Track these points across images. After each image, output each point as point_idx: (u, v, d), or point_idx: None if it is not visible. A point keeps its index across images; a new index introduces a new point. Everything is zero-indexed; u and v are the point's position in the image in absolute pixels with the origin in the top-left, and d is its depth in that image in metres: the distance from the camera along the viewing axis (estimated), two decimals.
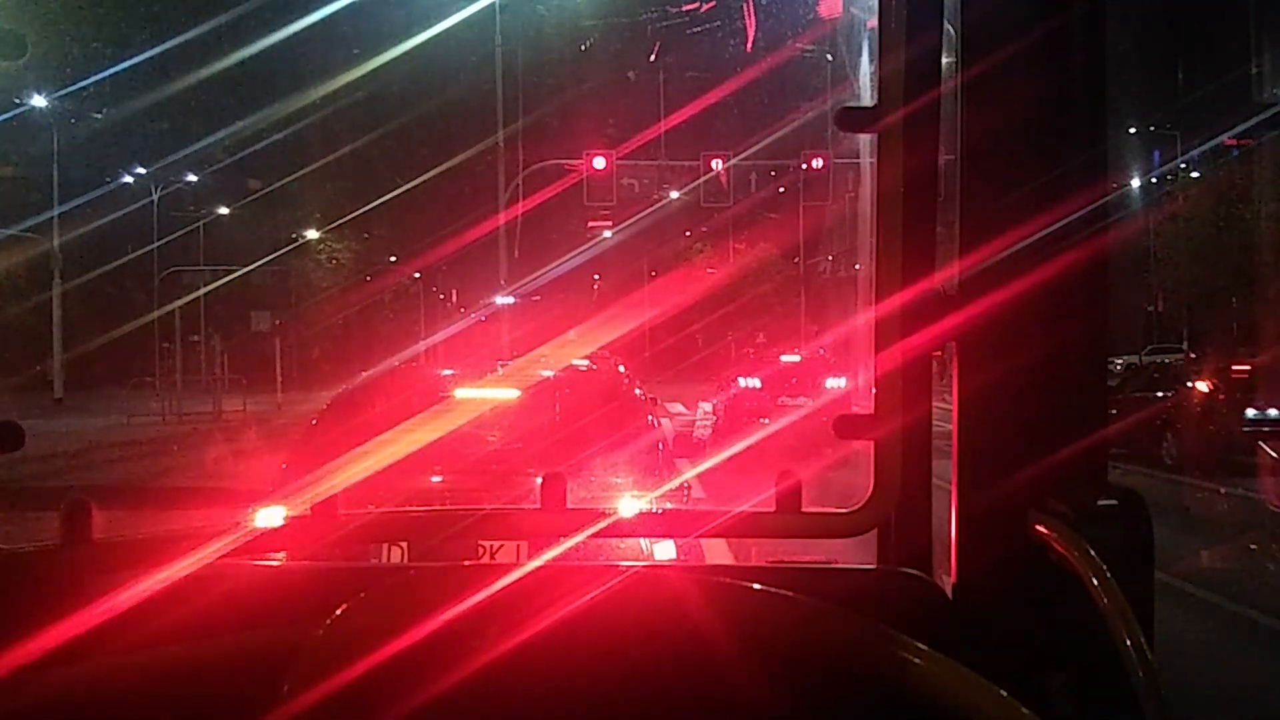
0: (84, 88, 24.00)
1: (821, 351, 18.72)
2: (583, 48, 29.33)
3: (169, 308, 28.17)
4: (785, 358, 18.48)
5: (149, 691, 1.04)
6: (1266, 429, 12.29)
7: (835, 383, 15.87)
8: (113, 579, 1.13)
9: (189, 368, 28.52)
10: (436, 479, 4.03)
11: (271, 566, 1.21)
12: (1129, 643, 0.94)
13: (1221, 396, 13.53)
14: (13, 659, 1.02)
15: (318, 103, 27.33)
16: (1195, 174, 32.15)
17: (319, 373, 27.29)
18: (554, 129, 29.49)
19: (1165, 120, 34.52)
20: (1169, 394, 14.24)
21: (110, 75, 23.23)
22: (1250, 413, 12.84)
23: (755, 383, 16.93)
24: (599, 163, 19.73)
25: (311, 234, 34.79)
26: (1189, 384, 14.31)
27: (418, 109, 30.69)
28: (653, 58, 28.33)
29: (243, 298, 32.12)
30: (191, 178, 31.16)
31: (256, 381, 26.60)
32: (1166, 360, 16.75)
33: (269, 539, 1.17)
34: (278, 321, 31.12)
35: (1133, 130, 33.67)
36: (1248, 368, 14.33)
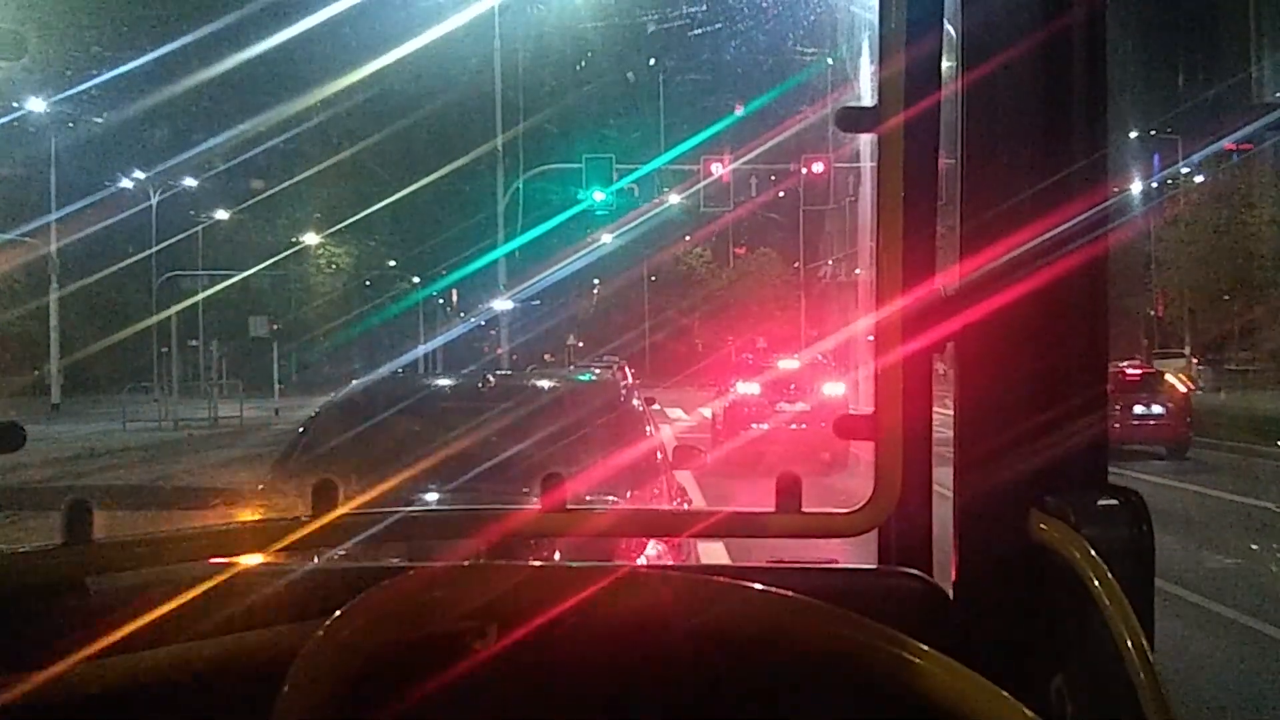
0: (83, 92, 24.03)
1: (820, 357, 18.58)
2: (578, 67, 29.43)
3: (166, 314, 28.17)
4: (783, 363, 18.12)
5: (149, 691, 1.04)
6: (1151, 423, 16.12)
7: (834, 389, 15.79)
8: (113, 579, 1.14)
9: (190, 373, 28.55)
10: (432, 486, 3.96)
11: (271, 566, 1.22)
12: (1129, 643, 0.94)
13: (1115, 396, 15.98)
14: (12, 659, 1.02)
15: (318, 108, 27.39)
16: (1199, 178, 32.19)
17: (320, 377, 27.33)
18: (554, 132, 29.56)
19: (1166, 124, 34.56)
20: None
21: (109, 80, 23.26)
22: (1138, 409, 16.11)
23: (754, 389, 16.72)
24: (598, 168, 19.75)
25: (311, 238, 34.81)
26: None
27: (418, 114, 30.75)
28: (652, 61, 28.39)
29: (242, 302, 32.16)
30: (190, 182, 31.18)
31: (258, 386, 26.61)
32: None
33: (268, 539, 1.17)
34: (275, 326, 31.11)
35: (1134, 134, 33.69)
36: (1139, 372, 17.60)
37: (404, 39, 22.40)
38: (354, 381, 6.02)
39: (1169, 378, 17.87)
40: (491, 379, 5.19)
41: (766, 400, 16.01)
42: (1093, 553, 1.02)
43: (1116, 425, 15.51)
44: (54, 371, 27.37)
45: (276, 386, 27.12)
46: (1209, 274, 29.31)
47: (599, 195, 20.35)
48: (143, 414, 22.23)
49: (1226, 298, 29.03)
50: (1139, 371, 17.80)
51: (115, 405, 22.29)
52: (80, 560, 1.10)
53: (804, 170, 19.96)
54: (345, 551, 1.28)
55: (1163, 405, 16.34)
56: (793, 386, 16.27)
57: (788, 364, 17.99)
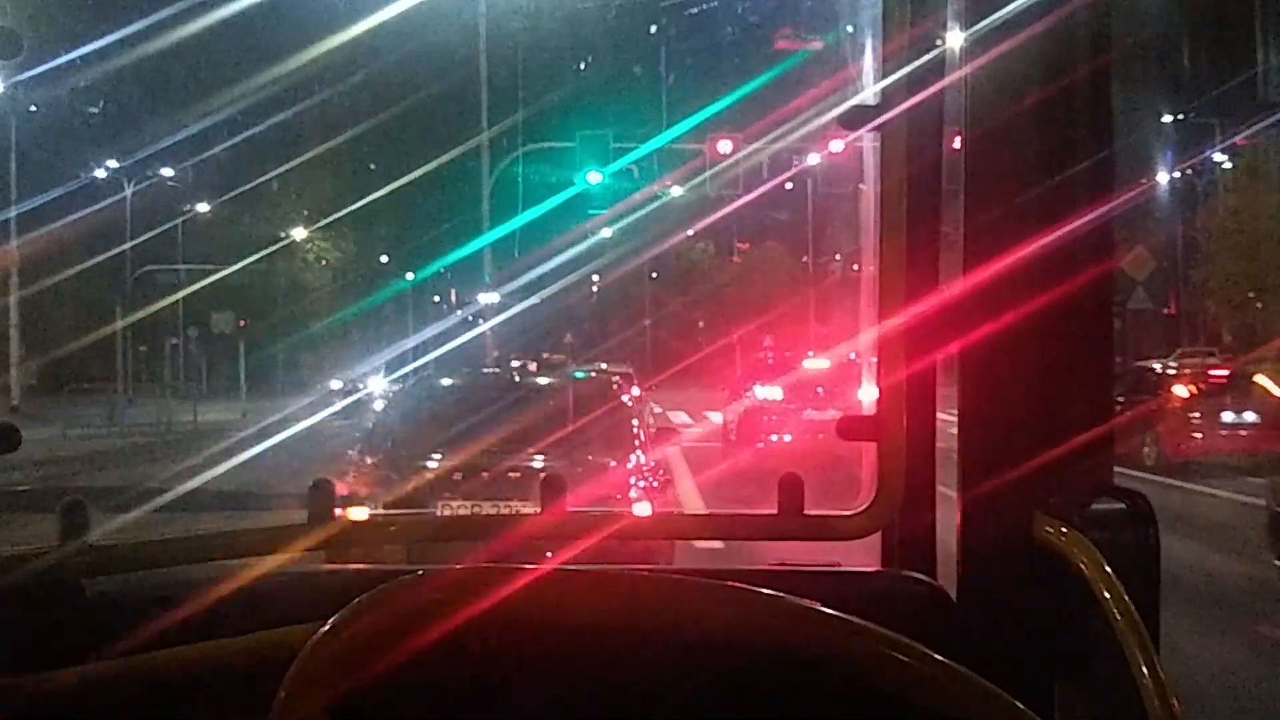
0: (72, 83, 23.98)
1: (853, 356, 17.65)
2: (579, 68, 29.37)
3: (144, 312, 28.05)
4: (810, 364, 16.53)
5: (148, 693, 1.08)
6: (1243, 432, 14.13)
7: (873, 393, 14.84)
8: (112, 580, 1.18)
9: (172, 373, 28.46)
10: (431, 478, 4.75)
11: (272, 567, 1.26)
12: (1135, 646, 0.98)
13: (1200, 400, 14.67)
14: (10, 660, 1.06)
15: (307, 96, 27.30)
16: (1228, 164, 31.75)
17: (308, 377, 27.25)
18: (553, 118, 29.51)
19: (1195, 109, 34.21)
20: (1151, 398, 14.63)
21: (89, 68, 23.21)
22: (1226, 417, 14.32)
23: (775, 393, 15.14)
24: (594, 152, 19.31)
25: (298, 233, 34.69)
26: (1170, 388, 15.09)
27: (410, 104, 30.63)
28: (653, 29, 28.29)
29: (226, 299, 32.00)
30: (167, 172, 30.99)
31: (253, 387, 26.49)
32: (1154, 366, 16.86)
33: (269, 540, 1.21)
34: (241, 323, 30.98)
35: (1167, 118, 33.36)
36: (1225, 373, 15.67)
37: (396, 25, 22.30)
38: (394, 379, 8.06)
39: (1261, 379, 15.52)
40: (516, 378, 7.40)
41: (790, 406, 14.64)
42: (1098, 556, 1.06)
43: (1199, 435, 14.15)
44: (13, 372, 27.22)
45: (244, 388, 27.06)
46: (1256, 265, 28.41)
47: (595, 177, 18.86)
48: (97, 418, 21.12)
49: (1252, 293, 28.50)
50: (1226, 372, 15.73)
51: (88, 406, 21.99)
52: (77, 562, 1.13)
53: (811, 158, 19.63)
54: (346, 552, 1.32)
55: (1256, 412, 14.34)
56: (820, 390, 14.54)
57: (815, 364, 16.38)
